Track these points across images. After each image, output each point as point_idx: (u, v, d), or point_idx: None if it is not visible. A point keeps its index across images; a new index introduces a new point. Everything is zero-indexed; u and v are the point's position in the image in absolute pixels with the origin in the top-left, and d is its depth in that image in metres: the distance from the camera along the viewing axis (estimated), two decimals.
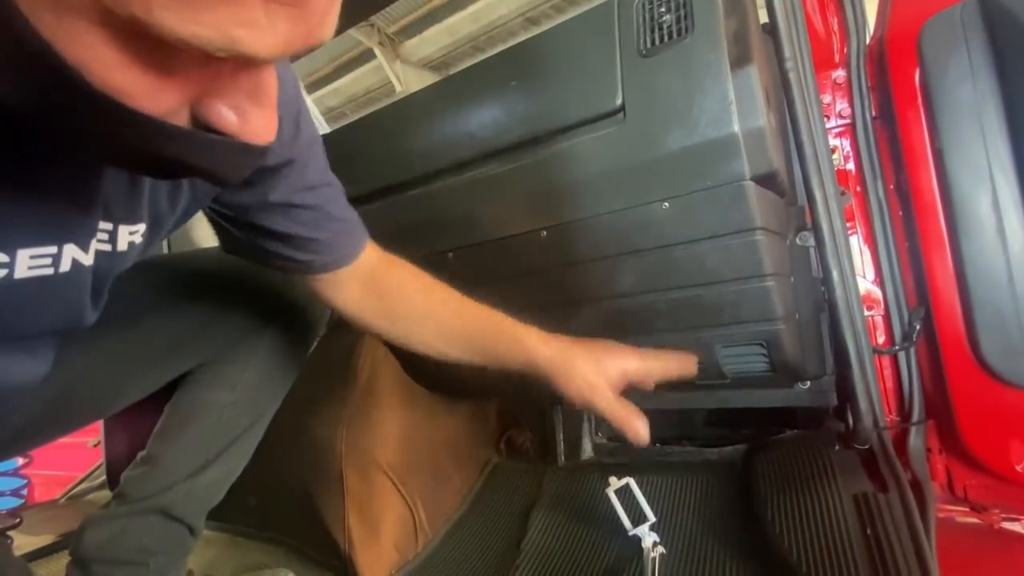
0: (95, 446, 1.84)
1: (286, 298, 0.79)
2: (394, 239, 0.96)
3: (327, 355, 1.08)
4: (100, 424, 1.07)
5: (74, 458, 1.82)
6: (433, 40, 6.54)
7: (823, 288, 0.80)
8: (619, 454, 1.10)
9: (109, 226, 0.46)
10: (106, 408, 0.76)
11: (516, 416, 1.21)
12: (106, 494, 1.34)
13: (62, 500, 1.53)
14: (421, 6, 5.97)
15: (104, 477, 1.47)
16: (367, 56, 6.73)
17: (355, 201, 0.98)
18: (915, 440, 0.82)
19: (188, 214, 0.56)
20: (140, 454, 0.76)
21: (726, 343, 0.75)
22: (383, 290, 0.70)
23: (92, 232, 0.44)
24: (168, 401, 0.77)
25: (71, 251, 0.43)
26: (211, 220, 0.64)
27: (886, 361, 0.87)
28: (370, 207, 0.97)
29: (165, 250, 1.01)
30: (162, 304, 0.71)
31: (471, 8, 5.95)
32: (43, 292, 0.43)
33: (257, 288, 0.76)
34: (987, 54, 0.70)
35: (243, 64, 0.30)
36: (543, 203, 0.79)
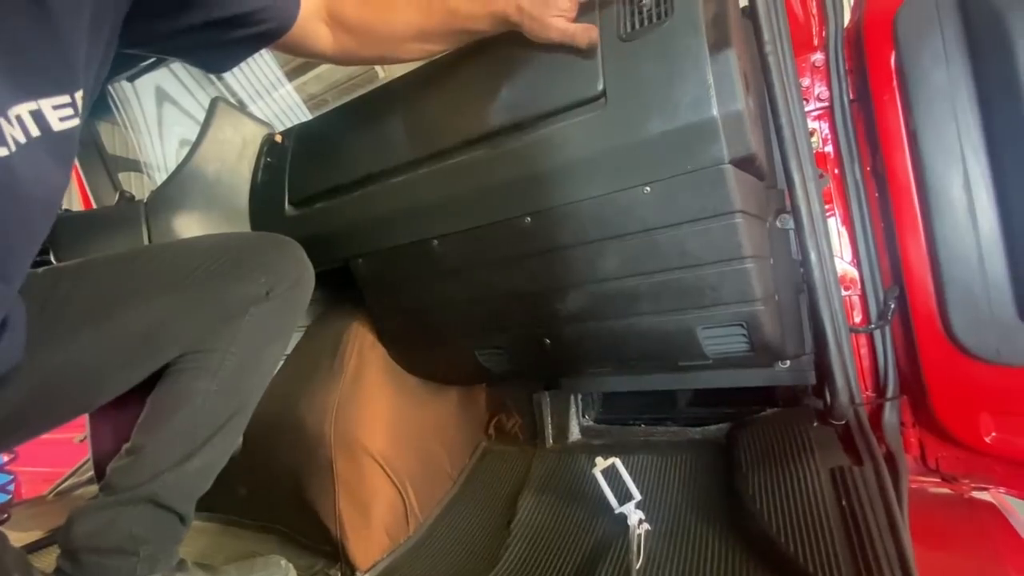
0: (81, 441, 1.83)
1: (266, 283, 0.78)
2: (378, 227, 0.96)
3: (314, 345, 1.08)
4: (86, 419, 1.06)
5: (60, 454, 1.81)
6: None
7: (802, 269, 0.82)
8: (606, 435, 1.12)
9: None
10: (88, 402, 0.75)
11: (504, 400, 1.22)
12: (94, 489, 1.33)
13: (50, 496, 1.52)
14: None
15: (91, 472, 1.47)
16: None
17: (339, 189, 0.98)
18: (890, 415, 0.85)
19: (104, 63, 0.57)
20: (125, 445, 0.76)
21: (708, 324, 0.76)
22: (350, 25, 0.78)
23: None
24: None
25: None
26: (181, 54, 0.73)
27: (863, 340, 0.89)
28: (354, 195, 0.96)
29: (145, 241, 1.00)
30: (137, 295, 0.71)
31: None
32: None
33: (236, 275, 0.76)
34: (960, 38, 0.71)
35: None
36: (527, 189, 0.80)
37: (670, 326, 0.78)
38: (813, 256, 0.78)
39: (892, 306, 0.83)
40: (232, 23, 0.66)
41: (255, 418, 0.81)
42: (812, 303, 0.80)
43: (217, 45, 0.70)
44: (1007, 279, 0.69)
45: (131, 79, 1.99)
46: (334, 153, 1.01)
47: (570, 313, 0.85)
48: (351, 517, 0.91)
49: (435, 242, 0.91)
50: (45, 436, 0.75)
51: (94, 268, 0.76)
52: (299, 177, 1.05)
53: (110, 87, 1.87)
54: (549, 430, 1.12)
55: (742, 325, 0.74)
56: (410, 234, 0.93)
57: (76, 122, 0.51)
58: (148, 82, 1.96)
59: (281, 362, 1.06)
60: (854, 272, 0.88)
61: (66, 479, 1.58)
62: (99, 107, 1.86)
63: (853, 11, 0.88)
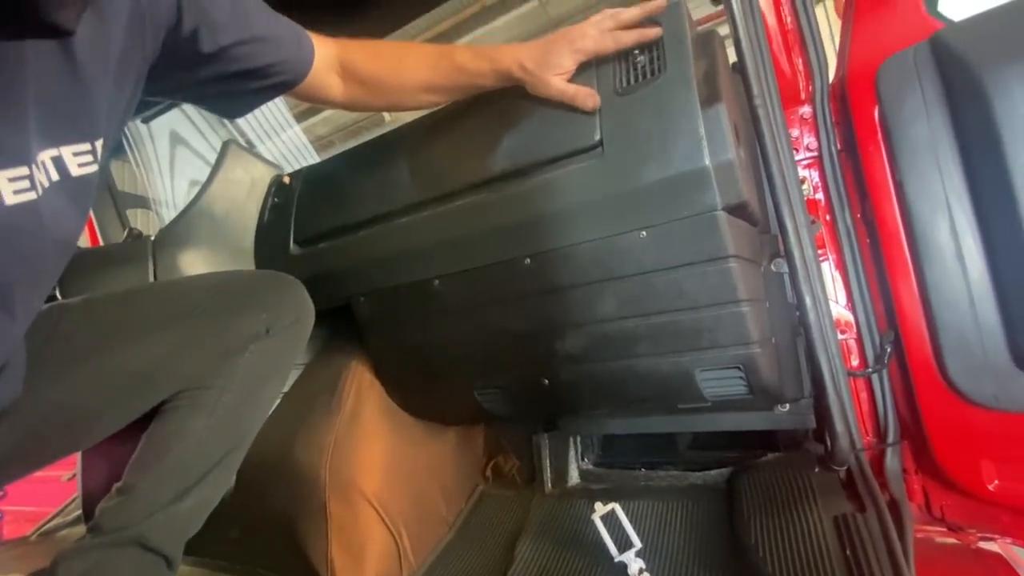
0: (69, 480, 1.78)
1: (266, 321, 0.79)
2: (381, 266, 0.98)
3: (311, 382, 1.08)
4: (76, 457, 1.05)
5: (47, 493, 1.76)
6: None
7: (798, 313, 0.83)
8: (605, 479, 1.10)
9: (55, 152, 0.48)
10: (82, 440, 0.75)
11: (502, 442, 1.21)
12: (80, 530, 1.30)
13: (33, 536, 1.47)
14: (408, 39, 6.13)
15: (78, 512, 1.43)
16: None
17: (343, 229, 1.01)
18: (891, 461, 0.84)
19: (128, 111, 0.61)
20: (116, 485, 0.75)
21: (705, 367, 0.77)
22: (361, 78, 0.82)
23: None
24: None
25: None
26: (202, 102, 0.76)
27: (861, 384, 0.89)
28: (358, 235, 0.98)
29: (151, 278, 1.01)
30: (138, 332, 0.72)
31: (457, 42, 6.14)
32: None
33: (237, 311, 0.76)
34: (940, 93, 0.74)
35: None
36: (527, 232, 0.82)
37: (668, 368, 0.79)
38: (808, 299, 0.79)
39: (888, 350, 0.83)
40: (249, 75, 0.70)
41: (249, 456, 0.80)
42: (809, 346, 0.81)
43: (233, 94, 0.73)
44: (999, 326, 0.70)
45: (146, 121, 2.06)
46: (340, 194, 1.04)
47: (569, 354, 0.86)
48: (344, 562, 0.89)
49: (436, 282, 0.92)
50: (32, 474, 0.74)
51: (97, 305, 0.77)
52: (305, 217, 1.07)
53: (125, 128, 1.94)
54: (548, 473, 1.10)
55: (739, 368, 0.75)
56: (412, 274, 0.95)
57: (94, 168, 0.54)
58: (163, 124, 2.04)
59: (278, 400, 1.06)
60: (849, 316, 0.89)
61: (51, 519, 1.54)
62: (115, 147, 1.92)
63: (837, 67, 0.93)
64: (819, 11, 1.00)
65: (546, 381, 0.89)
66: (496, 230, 0.85)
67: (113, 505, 0.73)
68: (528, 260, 0.84)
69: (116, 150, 1.95)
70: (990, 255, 0.71)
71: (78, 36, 0.47)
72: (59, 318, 0.73)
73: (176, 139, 2.14)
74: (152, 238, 1.06)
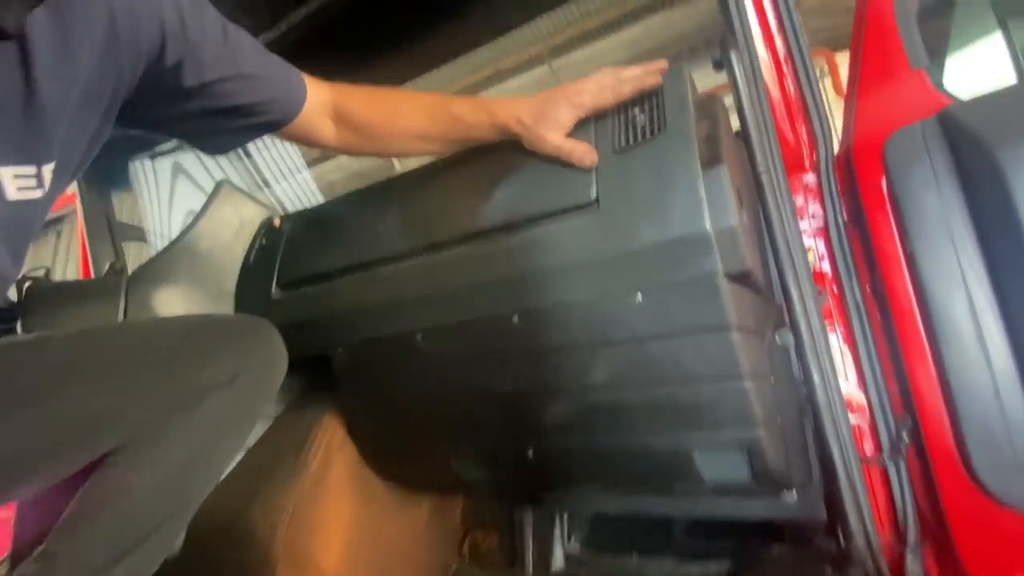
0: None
1: (232, 369, 0.73)
2: (364, 316, 0.93)
3: (278, 437, 1.00)
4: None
5: None
6: None
7: (805, 390, 0.77)
8: (593, 565, 1.00)
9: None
10: (14, 490, 0.67)
11: (482, 516, 1.11)
12: None
13: None
14: None
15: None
16: None
17: (329, 275, 0.97)
18: (912, 565, 0.75)
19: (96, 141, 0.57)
20: (38, 548, 0.66)
21: (704, 447, 0.69)
22: (355, 123, 0.80)
23: None
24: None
25: None
26: (181, 136, 0.74)
27: (876, 473, 0.81)
28: (343, 282, 0.94)
29: (120, 316, 0.96)
30: (84, 374, 0.65)
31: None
32: None
33: (200, 357, 0.71)
34: (951, 167, 0.72)
35: None
36: (516, 288, 0.77)
37: (664, 446, 0.71)
38: (816, 376, 0.73)
39: (905, 438, 0.76)
40: (234, 112, 0.68)
41: (199, 516, 0.72)
42: (818, 427, 0.74)
43: (218, 131, 0.71)
44: None
45: (152, 158, 2.08)
46: (328, 239, 1.00)
47: (556, 423, 0.79)
48: None
49: (419, 336, 0.87)
50: None
51: (49, 343, 0.71)
52: (291, 260, 1.04)
53: (131, 162, 1.95)
54: (530, 555, 1.00)
55: (742, 451, 0.68)
56: (396, 326, 0.89)
57: (38, 195, 0.50)
58: (167, 156, 2.05)
59: (239, 455, 0.98)
60: (861, 397, 0.82)
61: None
62: (119, 181, 1.93)
63: (842, 139, 0.91)
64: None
65: (531, 452, 0.82)
66: (484, 284, 0.80)
67: (31, 574, 0.64)
68: (516, 318, 0.79)
69: (121, 184, 1.96)
70: (1014, 340, 0.65)
71: (39, 58, 0.44)
72: (7, 354, 0.67)
73: (178, 169, 2.14)
74: (129, 274, 1.01)
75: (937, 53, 0.82)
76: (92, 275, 1.89)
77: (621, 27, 5.24)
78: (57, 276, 2.63)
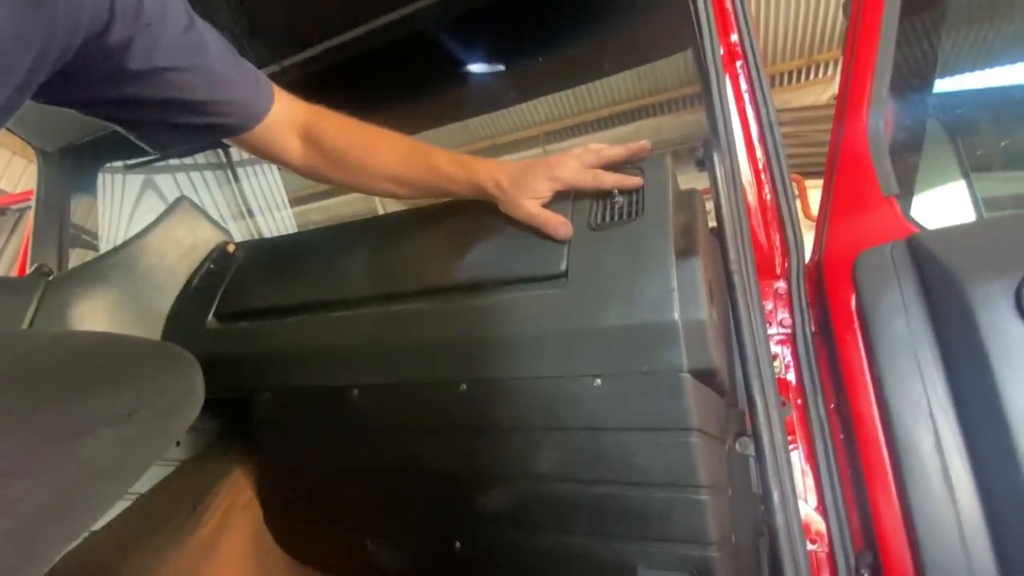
0: None
1: (133, 403, 0.63)
2: (300, 360, 0.84)
3: (175, 488, 0.87)
4: None
5: None
6: None
7: (762, 507, 0.71)
8: None
9: None
10: None
11: None
12: None
13: None
14: None
15: None
16: None
17: (271, 312, 0.89)
18: None
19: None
20: None
21: (651, 564, 0.61)
22: (325, 148, 0.76)
23: None
24: None
25: None
26: (115, 122, 0.65)
27: None
28: (285, 320, 0.87)
29: (26, 323, 0.85)
30: None
31: None
32: None
33: (96, 384, 0.61)
34: (919, 295, 0.71)
35: None
36: (469, 353, 0.71)
37: (607, 556, 0.63)
38: (776, 495, 0.67)
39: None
40: (181, 106, 0.63)
41: (54, 572, 0.59)
42: (773, 553, 0.67)
43: (159, 124, 0.65)
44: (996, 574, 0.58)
45: (124, 171, 2.01)
46: (281, 273, 0.94)
47: (492, 512, 0.70)
48: None
49: (356, 391, 0.79)
50: None
51: None
52: (235, 290, 0.96)
53: (101, 172, 1.87)
54: None
55: (691, 573, 0.60)
56: (333, 376, 0.81)
57: None
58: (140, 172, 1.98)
59: (121, 503, 0.84)
60: (820, 523, 0.77)
61: None
62: (84, 187, 1.84)
63: (814, 250, 0.92)
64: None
65: (458, 544, 0.72)
66: (436, 344, 0.74)
67: None
68: (464, 386, 0.72)
69: (85, 188, 1.86)
70: (981, 485, 0.62)
71: None
72: None
73: (148, 184, 2.06)
74: (50, 278, 0.92)
75: (906, 184, 0.85)
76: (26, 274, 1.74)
77: (613, 125, 5.61)
78: None
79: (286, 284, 0.90)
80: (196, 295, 1.00)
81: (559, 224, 0.70)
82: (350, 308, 0.82)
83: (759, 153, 0.96)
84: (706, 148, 0.82)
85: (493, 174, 0.74)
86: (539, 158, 0.76)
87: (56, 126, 1.51)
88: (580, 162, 0.73)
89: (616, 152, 0.74)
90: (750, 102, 0.95)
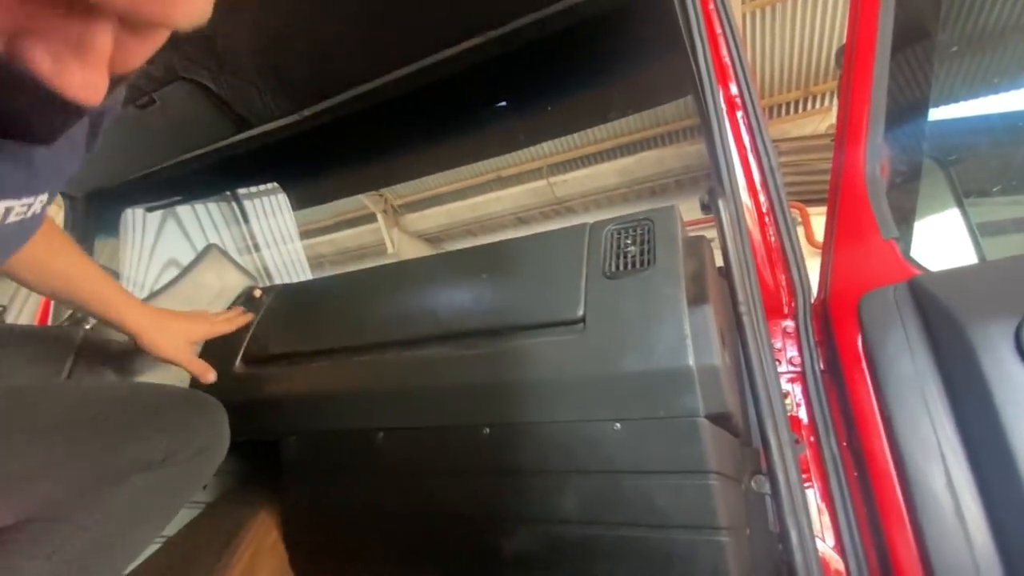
0: None
1: (166, 448, 0.67)
2: (326, 405, 0.88)
3: (205, 529, 0.89)
4: None
5: None
6: (432, 218, 7.22)
7: (780, 546, 0.72)
8: None
9: None
10: None
11: None
12: None
13: None
14: (428, 189, 6.73)
15: None
16: (369, 219, 7.31)
17: (297, 356, 0.93)
18: None
19: None
20: None
21: None
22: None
23: None
24: None
25: None
26: None
27: None
28: (311, 365, 0.90)
29: (65, 374, 0.89)
30: (3, 439, 0.59)
31: (471, 200, 6.73)
32: None
33: (133, 431, 0.64)
34: (923, 336, 0.74)
35: (73, 5, 0.29)
36: (491, 398, 0.74)
37: None
38: (794, 534, 0.69)
39: None
40: None
41: None
42: None
43: None
44: None
45: (148, 211, 2.09)
46: (307, 319, 0.98)
47: (516, 554, 0.72)
48: None
49: (381, 434, 0.81)
50: None
51: None
52: (262, 335, 1.00)
53: (124, 212, 1.95)
54: None
55: None
56: (358, 420, 0.84)
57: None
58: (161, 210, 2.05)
59: (151, 545, 0.86)
60: (839, 562, 0.77)
61: None
62: (108, 228, 1.91)
63: (819, 288, 0.95)
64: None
65: None
66: (459, 389, 0.77)
67: None
68: (487, 430, 0.75)
69: (109, 229, 1.94)
70: (993, 522, 0.63)
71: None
72: None
73: (168, 216, 2.14)
74: (88, 327, 0.96)
75: (905, 224, 0.88)
76: (50, 319, 1.80)
77: (616, 157, 5.73)
78: (12, 316, 2.50)
79: (312, 329, 0.94)
80: (224, 340, 1.03)
81: (205, 370, 0.89)
82: (374, 353, 0.86)
83: (762, 197, 1.00)
84: (711, 195, 0.86)
85: (138, 319, 0.84)
86: (178, 314, 0.91)
87: (82, 173, 1.59)
88: (210, 324, 0.94)
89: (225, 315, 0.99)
90: (751, 150, 1.00)
